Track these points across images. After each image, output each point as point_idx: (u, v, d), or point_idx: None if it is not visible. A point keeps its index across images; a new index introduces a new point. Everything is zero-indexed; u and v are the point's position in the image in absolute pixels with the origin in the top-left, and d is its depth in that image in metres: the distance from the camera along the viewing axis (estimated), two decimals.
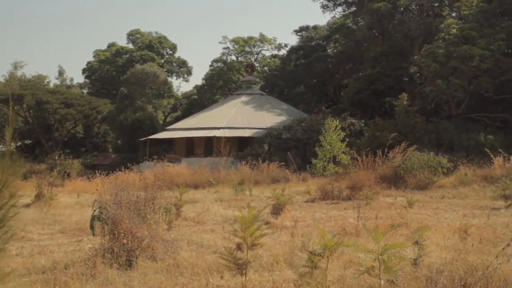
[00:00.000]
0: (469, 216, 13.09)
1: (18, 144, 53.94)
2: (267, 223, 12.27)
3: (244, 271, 6.23)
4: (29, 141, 54.72)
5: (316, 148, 21.13)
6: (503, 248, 5.85)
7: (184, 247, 8.83)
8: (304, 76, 55.69)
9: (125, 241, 7.54)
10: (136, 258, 7.68)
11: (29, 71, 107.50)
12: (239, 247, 6.25)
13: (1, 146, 54.20)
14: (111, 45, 69.51)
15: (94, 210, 8.81)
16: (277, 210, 13.68)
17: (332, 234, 5.51)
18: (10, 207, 4.27)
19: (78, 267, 7.51)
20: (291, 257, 7.47)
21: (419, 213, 13.92)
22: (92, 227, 8.85)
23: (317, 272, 5.60)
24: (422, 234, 6.37)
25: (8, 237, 4.04)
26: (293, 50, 61.56)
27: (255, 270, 6.96)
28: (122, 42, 70.23)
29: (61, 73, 76.00)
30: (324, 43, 59.75)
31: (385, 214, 11.55)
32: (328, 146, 20.19)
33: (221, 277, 6.66)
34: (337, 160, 20.83)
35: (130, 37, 69.60)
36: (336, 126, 20.25)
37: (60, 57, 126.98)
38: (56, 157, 43.27)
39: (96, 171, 24.99)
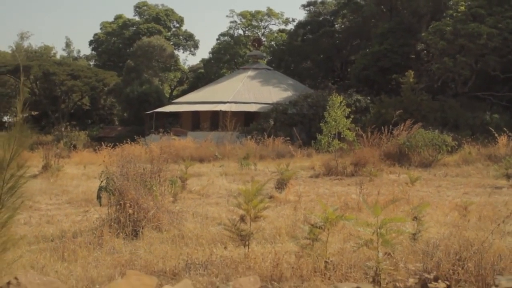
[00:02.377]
0: (471, 194, 13.22)
1: (25, 115, 54.21)
2: (271, 197, 12.45)
3: (247, 243, 6.40)
4: (35, 113, 54.87)
5: (321, 124, 21.20)
6: (498, 224, 5.98)
7: (189, 218, 9.02)
8: (311, 51, 55.38)
9: (130, 211, 7.71)
10: (142, 228, 7.87)
11: (35, 42, 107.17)
12: (242, 219, 6.42)
13: (8, 116, 54.45)
14: (118, 17, 69.26)
15: (101, 181, 8.98)
16: (281, 184, 13.85)
17: (334, 208, 5.66)
18: (19, 177, 4.41)
19: (86, 236, 7.71)
20: (293, 230, 7.63)
21: (422, 190, 14.05)
22: (99, 197, 9.03)
23: (318, 244, 5.76)
24: (421, 210, 6.52)
25: (19, 203, 4.18)
26: (300, 25, 61.11)
27: (258, 242, 7.14)
28: (129, 14, 70.01)
29: (68, 44, 75.87)
30: (332, 18, 59.26)
31: (388, 190, 11.69)
32: (333, 122, 20.26)
33: (225, 248, 6.84)
34: (341, 136, 20.91)
35: (137, 9, 69.30)
36: (341, 102, 20.30)
37: (67, 29, 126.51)
38: (63, 129, 43.54)
39: (102, 143, 25.19)
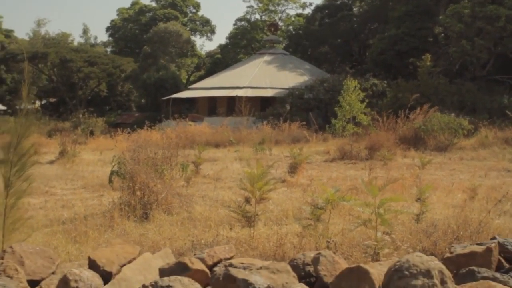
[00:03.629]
0: (484, 177, 13.17)
1: (43, 102, 54.69)
2: (283, 181, 12.54)
3: (252, 224, 6.49)
4: (53, 99, 55.38)
5: (335, 108, 21.17)
6: (495, 204, 6.00)
7: (199, 202, 9.14)
8: (329, 35, 54.99)
9: (138, 193, 7.85)
10: (152, 211, 8.01)
11: (52, 29, 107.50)
12: (247, 200, 6.50)
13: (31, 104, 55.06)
14: (134, 3, 69.38)
15: (113, 166, 9.13)
16: (293, 168, 13.91)
17: (336, 189, 5.73)
18: (26, 160, 4.54)
19: (97, 218, 7.87)
20: (300, 212, 7.72)
21: (435, 173, 14.04)
22: (110, 181, 9.18)
23: (321, 225, 5.84)
24: (424, 191, 6.56)
25: (27, 185, 4.31)
26: (318, 9, 60.67)
27: (264, 224, 7.24)
28: (146, 0, 69.94)
29: (85, 31, 76.28)
30: (350, 2, 58.76)
31: (400, 174, 11.70)
32: (347, 107, 20.22)
33: (231, 229, 6.95)
34: (356, 120, 20.87)
35: None
36: (356, 86, 20.22)
37: (84, 16, 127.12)
38: (80, 115, 43.88)
39: (119, 129, 25.42)
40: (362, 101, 20.52)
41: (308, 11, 66.21)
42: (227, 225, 7.15)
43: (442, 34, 40.86)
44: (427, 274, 2.66)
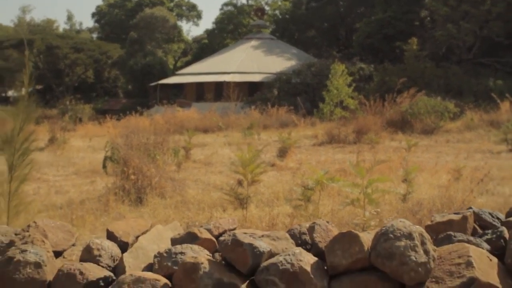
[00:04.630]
0: (469, 159, 13.44)
1: (30, 90, 54.37)
2: (273, 165, 12.74)
3: (245, 205, 6.70)
4: (40, 86, 55.04)
5: (323, 93, 21.38)
6: (478, 183, 6.25)
7: (192, 185, 9.33)
8: (315, 20, 55.00)
9: (132, 177, 8.02)
10: (146, 195, 8.19)
11: (37, 16, 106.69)
12: (240, 183, 6.70)
13: (12, 91, 54.63)
14: None
15: (107, 151, 9.28)
16: (282, 152, 14.11)
17: (324, 171, 5.94)
18: (27, 146, 4.71)
19: (93, 203, 8.04)
20: (291, 194, 7.92)
21: (422, 156, 14.31)
22: (104, 166, 9.33)
23: (311, 205, 6.05)
24: (410, 172, 6.79)
25: (29, 169, 4.48)
26: None
27: (256, 206, 7.44)
28: None
29: (69, 17, 75.99)
30: None
31: (386, 156, 11.95)
32: (335, 91, 20.45)
33: (224, 211, 7.14)
34: (343, 104, 21.10)
35: None
36: (343, 70, 20.44)
37: (68, 1, 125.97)
38: (68, 102, 43.76)
39: (107, 116, 25.47)
40: (349, 85, 20.77)
41: None
42: (220, 208, 7.34)
43: (428, 18, 41.13)
44: (409, 236, 3.00)
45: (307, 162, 13.16)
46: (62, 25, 73.54)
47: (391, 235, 3.04)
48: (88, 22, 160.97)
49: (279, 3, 67.43)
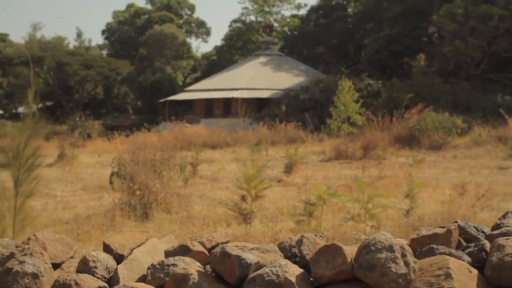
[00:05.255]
0: (476, 175, 13.42)
1: (39, 106, 54.81)
2: (279, 180, 12.79)
3: (248, 220, 6.75)
4: (50, 103, 55.50)
5: (330, 109, 21.44)
6: (478, 199, 6.26)
7: (197, 201, 9.39)
8: (324, 36, 55.23)
9: (138, 192, 8.09)
10: (152, 210, 8.26)
11: (48, 33, 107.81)
12: (243, 198, 6.75)
13: (23, 107, 55.17)
14: (130, 6, 69.59)
15: (113, 167, 9.37)
16: (289, 168, 14.16)
17: (327, 186, 5.99)
18: (33, 162, 4.80)
19: (99, 218, 8.11)
20: (295, 209, 7.97)
21: (428, 172, 14.29)
22: (111, 182, 9.42)
23: (314, 221, 6.09)
24: (414, 188, 6.82)
25: (35, 184, 4.55)
26: (313, 10, 60.89)
27: (260, 221, 7.49)
28: (141, 3, 70.32)
29: (79, 34, 76.53)
30: (345, 2, 59.03)
31: (392, 172, 11.97)
32: (342, 107, 20.50)
33: (227, 226, 7.20)
34: (351, 120, 21.13)
35: None
36: (350, 87, 20.51)
37: (79, 19, 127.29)
38: (77, 118, 44.09)
39: (116, 132, 25.64)
40: (356, 101, 20.82)
41: (303, 12, 66.38)
42: (224, 223, 7.39)
43: (436, 34, 41.18)
44: (390, 248, 3.12)
45: (313, 178, 13.19)
46: (72, 42, 73.96)
47: (373, 248, 3.15)
48: (97, 39, 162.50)
49: (288, 20, 67.80)
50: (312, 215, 6.08)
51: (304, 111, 35.47)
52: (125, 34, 66.23)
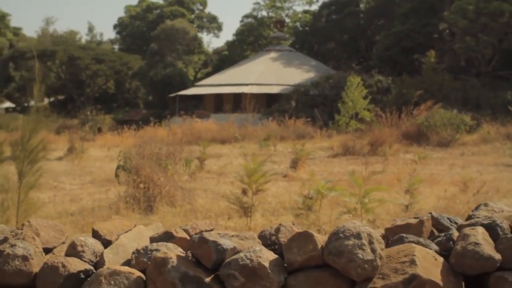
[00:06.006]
0: (482, 172, 13.42)
1: (51, 100, 55.24)
2: (285, 175, 12.88)
3: (249, 214, 6.84)
4: (61, 97, 55.84)
5: (339, 105, 21.48)
6: (474, 194, 6.31)
7: (202, 195, 9.50)
8: (335, 32, 55.06)
9: (141, 185, 8.22)
10: (156, 203, 8.39)
11: (60, 27, 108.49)
12: (244, 192, 6.85)
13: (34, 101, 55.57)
14: (142, 1, 69.72)
15: (119, 160, 9.50)
16: (295, 163, 14.25)
17: (326, 181, 6.07)
18: (37, 153, 4.92)
19: (104, 210, 8.25)
20: (297, 203, 8.07)
21: (434, 168, 14.32)
22: (116, 175, 9.56)
23: (312, 214, 6.18)
24: (414, 183, 6.89)
25: (39, 174, 4.68)
26: (324, 5, 60.68)
27: (262, 215, 7.59)
28: None
29: (90, 29, 76.87)
30: None
31: (397, 168, 12.02)
32: (350, 103, 20.53)
33: (228, 219, 7.31)
34: (359, 117, 21.16)
35: None
36: (359, 83, 20.52)
37: (91, 13, 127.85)
38: (88, 113, 44.38)
39: (126, 126, 25.81)
40: (365, 98, 20.83)
41: (315, 7, 66.10)
42: (226, 216, 7.51)
43: (447, 31, 41.02)
44: (357, 236, 3.30)
45: (319, 174, 13.27)
46: (84, 37, 74.27)
47: (341, 235, 3.32)
48: (109, 34, 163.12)
49: (299, 15, 67.67)
50: (311, 209, 6.17)
51: (313, 107, 35.47)
52: (137, 28, 66.39)
